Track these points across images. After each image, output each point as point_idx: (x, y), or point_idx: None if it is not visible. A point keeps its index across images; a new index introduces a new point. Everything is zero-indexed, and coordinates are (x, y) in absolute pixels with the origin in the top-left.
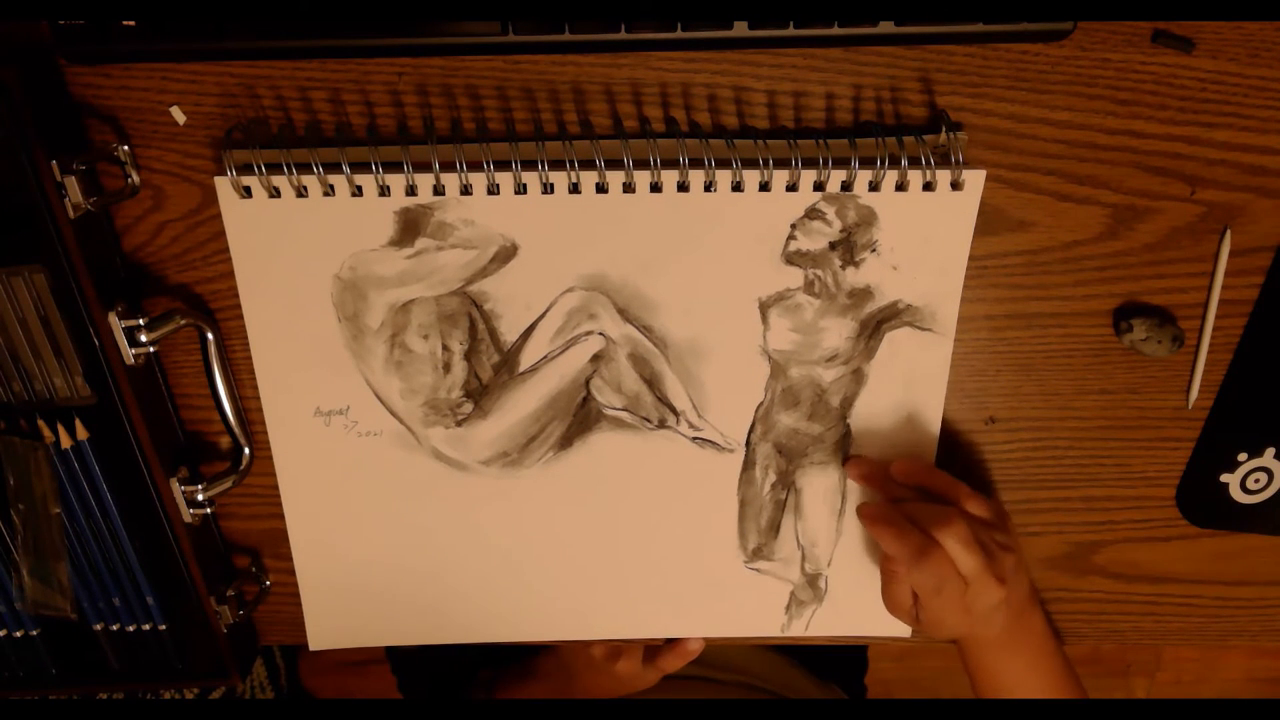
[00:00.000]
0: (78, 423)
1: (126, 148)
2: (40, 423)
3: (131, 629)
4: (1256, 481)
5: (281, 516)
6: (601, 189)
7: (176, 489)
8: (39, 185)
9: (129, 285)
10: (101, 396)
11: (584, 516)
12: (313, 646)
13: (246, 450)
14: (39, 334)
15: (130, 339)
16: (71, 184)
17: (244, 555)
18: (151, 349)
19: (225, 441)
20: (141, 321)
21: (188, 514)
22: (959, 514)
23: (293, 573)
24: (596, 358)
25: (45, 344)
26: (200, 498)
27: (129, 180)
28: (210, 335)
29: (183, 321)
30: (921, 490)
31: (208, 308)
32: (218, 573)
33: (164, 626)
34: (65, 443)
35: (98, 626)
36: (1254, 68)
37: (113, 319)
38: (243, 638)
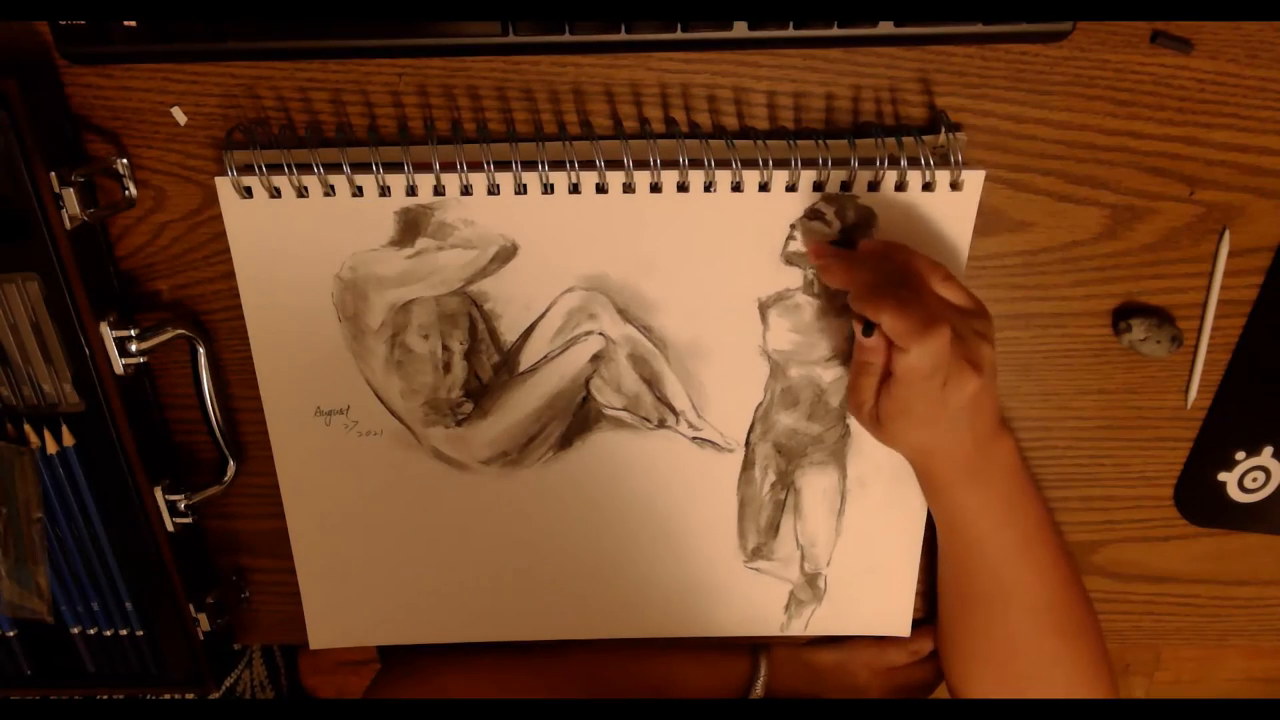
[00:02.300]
0: (64, 429)
1: (125, 160)
2: (27, 428)
3: (109, 633)
4: (1254, 480)
5: (281, 516)
6: (601, 189)
7: (160, 498)
8: (37, 196)
9: (122, 295)
10: (90, 404)
11: (584, 516)
12: (313, 645)
13: (231, 463)
14: (30, 341)
15: (121, 349)
16: (69, 196)
17: (242, 556)
18: (142, 359)
19: (213, 449)
20: (133, 332)
21: (170, 522)
22: (943, 298)
23: (293, 572)
24: (596, 358)
25: (36, 351)
26: (183, 506)
27: (126, 193)
28: (201, 348)
29: (174, 332)
30: (890, 269)
31: (208, 309)
32: (198, 580)
33: (141, 632)
34: (51, 448)
35: (75, 630)
36: (1252, 68)
37: (104, 329)
38: (221, 645)
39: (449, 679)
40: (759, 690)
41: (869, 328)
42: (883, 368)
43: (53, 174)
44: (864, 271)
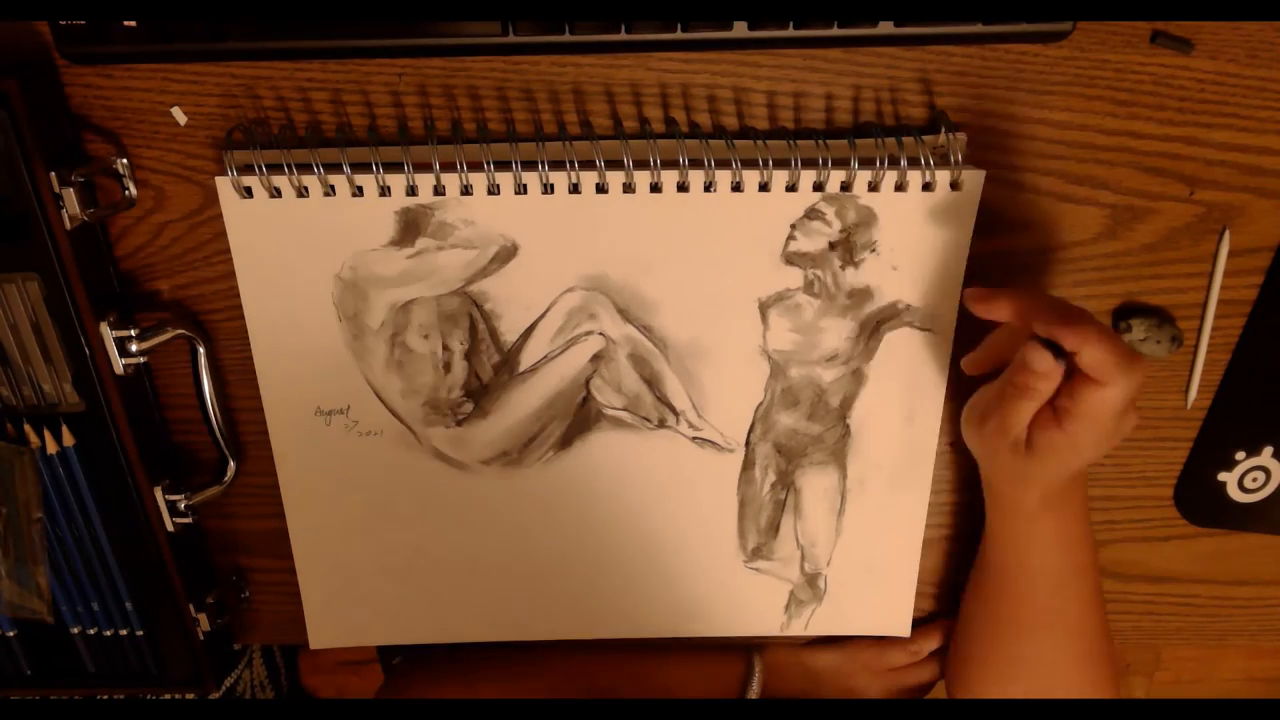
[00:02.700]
0: (64, 429)
1: (125, 160)
2: (27, 428)
3: (109, 633)
4: (1254, 480)
5: (281, 516)
6: (601, 189)
7: (160, 498)
8: (37, 196)
9: (122, 295)
10: (90, 404)
11: (584, 516)
12: (313, 645)
13: (231, 463)
14: (30, 341)
15: (121, 349)
16: (69, 196)
17: (242, 556)
18: (142, 359)
19: (213, 448)
20: (133, 332)
21: (170, 523)
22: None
23: (293, 572)
24: (596, 358)
25: (36, 351)
26: (183, 506)
27: (126, 193)
28: (201, 348)
29: (174, 332)
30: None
31: (208, 309)
32: (198, 580)
33: (141, 632)
34: (51, 448)
35: (75, 630)
36: (1252, 68)
37: (104, 329)
38: (221, 645)
39: (448, 686)
40: (755, 691)
41: (1057, 353)
42: (1047, 396)
43: (53, 174)
44: (1039, 301)
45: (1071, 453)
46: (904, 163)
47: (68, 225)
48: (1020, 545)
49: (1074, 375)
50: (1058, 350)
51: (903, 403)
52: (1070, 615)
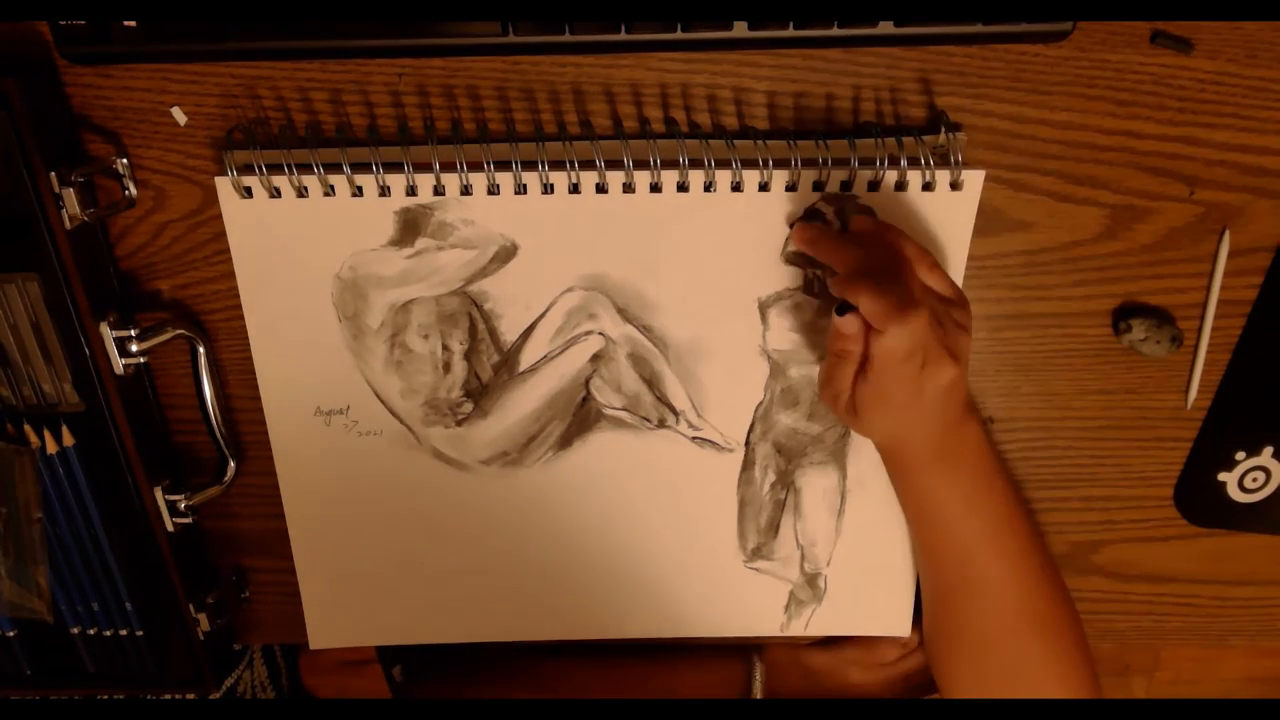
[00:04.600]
0: (64, 429)
1: (125, 160)
2: (27, 428)
3: (109, 633)
4: (1254, 480)
5: (281, 516)
6: (601, 189)
7: (160, 498)
8: (37, 196)
9: (122, 295)
10: (90, 404)
11: (584, 516)
12: (313, 645)
13: (231, 463)
14: (30, 341)
15: (121, 349)
16: (69, 196)
17: (242, 556)
18: (142, 359)
19: (213, 448)
20: (133, 332)
21: (170, 523)
22: (925, 284)
23: (293, 572)
24: (596, 357)
25: (36, 351)
26: (183, 506)
27: (126, 193)
28: (201, 348)
29: (174, 332)
30: (877, 252)
31: (208, 309)
32: (198, 580)
33: (141, 632)
34: (51, 448)
35: (75, 630)
36: (1252, 68)
37: (104, 329)
38: (221, 645)
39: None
40: (757, 692)
41: (843, 308)
42: (860, 356)
43: (53, 174)
44: (849, 253)
45: (882, 402)
46: (904, 162)
47: (68, 225)
48: (919, 508)
49: (869, 330)
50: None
51: None
52: (999, 576)
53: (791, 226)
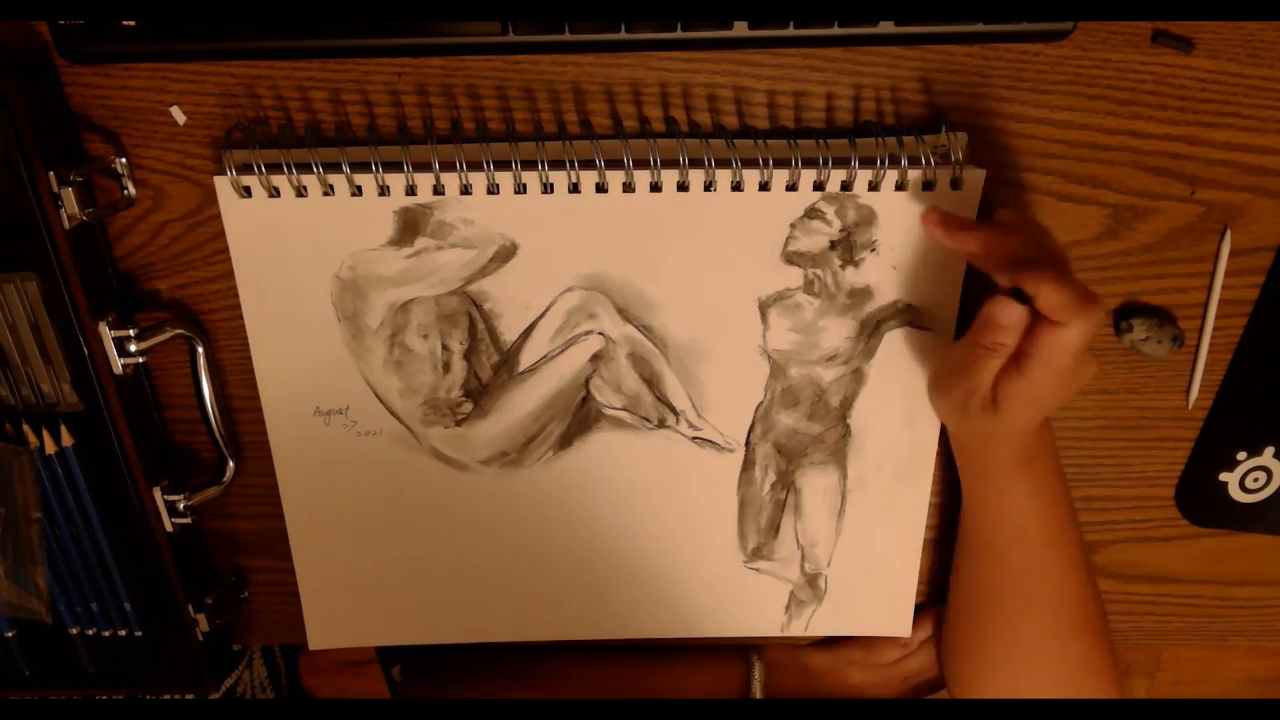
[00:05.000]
0: (63, 429)
1: (124, 160)
2: (25, 428)
3: (108, 634)
4: (1256, 481)
5: (280, 516)
6: (601, 189)
7: (159, 498)
8: (36, 196)
9: (120, 295)
10: (88, 404)
11: (583, 516)
12: (312, 646)
13: (231, 463)
14: (28, 341)
15: (120, 349)
16: (68, 195)
17: (242, 556)
18: (140, 359)
19: (212, 449)
20: (132, 332)
21: (169, 523)
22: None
23: (292, 573)
24: (596, 357)
25: (34, 351)
26: (182, 507)
27: (125, 192)
28: (200, 348)
29: (173, 332)
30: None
31: (207, 309)
32: (197, 580)
33: (140, 633)
34: (50, 448)
35: (73, 630)
36: (1254, 68)
37: (103, 329)
38: (220, 646)
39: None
40: (757, 692)
41: (1018, 295)
42: (1012, 350)
43: (52, 174)
44: (1000, 243)
45: (1034, 401)
46: (904, 162)
47: (66, 225)
48: (996, 508)
49: (1034, 320)
50: (1019, 295)
51: (903, 402)
52: (1054, 581)
53: (792, 229)
